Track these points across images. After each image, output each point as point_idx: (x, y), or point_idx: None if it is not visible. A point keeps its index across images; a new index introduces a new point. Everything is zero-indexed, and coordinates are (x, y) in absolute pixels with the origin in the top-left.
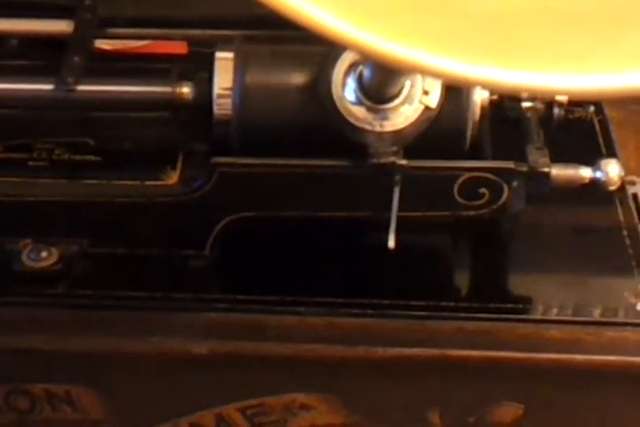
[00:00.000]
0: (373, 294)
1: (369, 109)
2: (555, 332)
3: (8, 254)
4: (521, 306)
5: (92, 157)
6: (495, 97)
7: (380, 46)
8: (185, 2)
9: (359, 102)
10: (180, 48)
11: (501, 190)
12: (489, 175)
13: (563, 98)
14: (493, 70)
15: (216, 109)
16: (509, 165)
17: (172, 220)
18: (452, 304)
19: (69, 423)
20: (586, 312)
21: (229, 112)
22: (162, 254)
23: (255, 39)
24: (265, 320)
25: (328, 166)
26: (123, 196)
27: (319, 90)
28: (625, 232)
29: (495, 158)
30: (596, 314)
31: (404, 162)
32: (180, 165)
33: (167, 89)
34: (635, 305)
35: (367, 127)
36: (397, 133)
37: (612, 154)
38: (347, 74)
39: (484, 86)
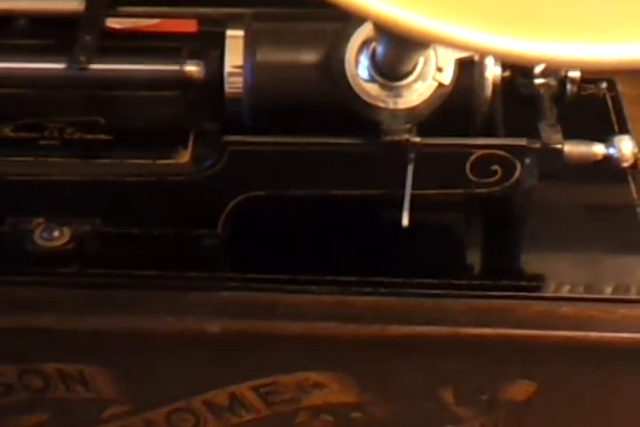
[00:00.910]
0: (386, 272)
1: (382, 87)
2: (567, 309)
3: (20, 234)
4: (534, 284)
5: (104, 136)
6: (507, 73)
7: (402, 17)
8: None
9: (372, 79)
10: (189, 26)
11: (514, 168)
12: (501, 152)
13: (575, 74)
14: (516, 41)
15: (227, 88)
16: (522, 142)
17: (183, 199)
18: (464, 282)
19: (82, 402)
20: (598, 290)
21: (240, 90)
22: (174, 233)
23: (266, 17)
24: (277, 299)
25: (341, 144)
26: (134, 175)
27: (332, 67)
28: (638, 209)
29: (507, 135)
30: (609, 291)
31: (417, 139)
32: (191, 143)
33: (178, 67)
34: None
35: (380, 104)
36: (411, 111)
37: (624, 130)
38: (360, 51)
39: (507, 57)
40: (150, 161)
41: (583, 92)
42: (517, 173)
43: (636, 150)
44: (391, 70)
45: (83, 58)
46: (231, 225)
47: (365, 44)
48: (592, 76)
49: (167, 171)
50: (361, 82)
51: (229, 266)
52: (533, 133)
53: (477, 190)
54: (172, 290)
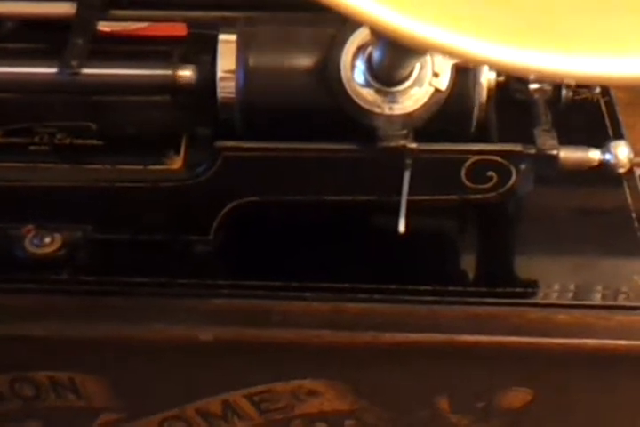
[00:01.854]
0: (380, 278)
1: (378, 92)
2: (564, 316)
3: (10, 240)
4: (530, 290)
5: (95, 142)
6: (502, 78)
7: (422, 32)
8: None
9: (368, 85)
10: (179, 30)
11: (509, 173)
12: (497, 158)
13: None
14: (536, 55)
15: (219, 93)
16: (518, 147)
17: (176, 205)
18: (459, 289)
19: (74, 410)
20: (594, 296)
21: (233, 95)
22: (166, 240)
23: (258, 21)
24: (270, 306)
25: (336, 150)
26: (126, 181)
27: (327, 72)
28: (633, 215)
29: (501, 141)
30: (606, 298)
31: (414, 145)
32: (183, 149)
33: (170, 72)
34: None
35: (376, 110)
36: (407, 116)
37: (619, 135)
38: (356, 56)
39: (526, 72)
40: (142, 167)
41: (577, 97)
42: (513, 179)
43: (631, 156)
44: (387, 75)
45: (74, 62)
46: (224, 231)
47: (361, 48)
48: None
49: (159, 177)
50: (357, 87)
51: (222, 273)
52: (528, 139)
53: (472, 196)
54: (163, 297)
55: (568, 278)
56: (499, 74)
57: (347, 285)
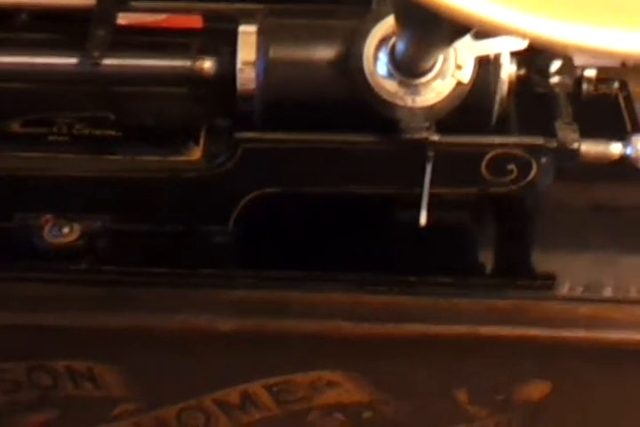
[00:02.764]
0: (400, 270)
1: (401, 84)
2: (585, 309)
3: (29, 230)
4: (550, 283)
5: (113, 132)
6: (523, 72)
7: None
8: None
9: (391, 77)
10: (195, 22)
11: (530, 167)
12: (518, 151)
13: (591, 73)
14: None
15: (239, 84)
16: (539, 140)
17: (195, 195)
18: (479, 281)
19: (91, 400)
20: (616, 289)
21: (253, 87)
22: (185, 230)
23: (279, 12)
24: (290, 297)
25: (358, 142)
26: (145, 171)
27: (349, 64)
28: None
29: (522, 134)
30: (627, 292)
31: (436, 138)
32: (202, 140)
33: (189, 63)
34: None
35: (399, 102)
36: (429, 109)
37: (637, 130)
38: (378, 47)
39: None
40: (161, 158)
41: (594, 92)
42: (533, 173)
43: None
44: (410, 67)
45: (96, 53)
46: (243, 222)
47: (384, 40)
48: (604, 75)
49: (178, 167)
50: (379, 79)
51: (241, 263)
52: (549, 132)
53: (492, 189)
54: (183, 287)
55: (588, 272)
56: (519, 67)
57: (367, 276)
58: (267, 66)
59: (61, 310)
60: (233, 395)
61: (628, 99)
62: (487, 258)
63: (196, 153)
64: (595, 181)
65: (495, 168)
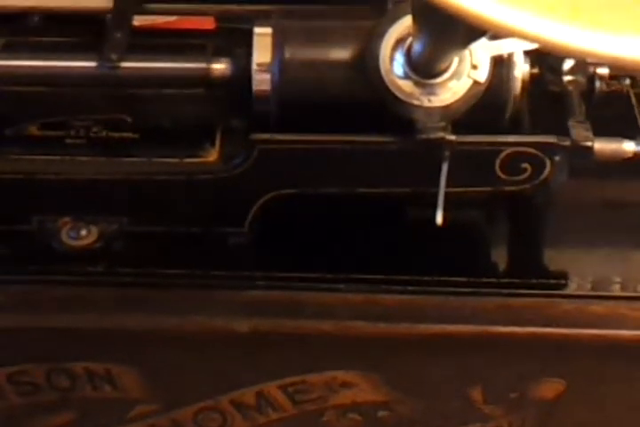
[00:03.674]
0: (414, 270)
1: (417, 84)
2: (597, 307)
3: (47, 233)
4: (563, 282)
5: (130, 135)
6: (536, 70)
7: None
8: None
9: (407, 77)
10: (208, 24)
11: (544, 165)
12: (531, 150)
13: (604, 71)
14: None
15: (255, 86)
16: (552, 139)
17: (211, 197)
18: (493, 280)
19: (109, 402)
20: (629, 288)
21: (268, 88)
22: (201, 232)
23: (294, 14)
24: (305, 297)
25: (375, 142)
26: (162, 173)
27: (365, 64)
28: None
29: (535, 132)
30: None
31: (453, 137)
32: (218, 141)
33: (204, 65)
34: None
35: (415, 102)
36: (445, 109)
37: None
38: (395, 48)
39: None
40: (178, 159)
41: (607, 89)
42: (547, 171)
43: None
44: (426, 68)
45: (114, 56)
46: (259, 224)
47: (401, 41)
48: (616, 72)
49: (195, 169)
50: (395, 79)
51: (257, 265)
52: (563, 131)
53: (506, 188)
54: (199, 289)
55: (601, 270)
56: (532, 66)
57: (381, 276)
58: (282, 67)
59: (79, 312)
60: (249, 395)
61: None
62: (500, 257)
63: (212, 154)
64: (607, 178)
65: (509, 167)
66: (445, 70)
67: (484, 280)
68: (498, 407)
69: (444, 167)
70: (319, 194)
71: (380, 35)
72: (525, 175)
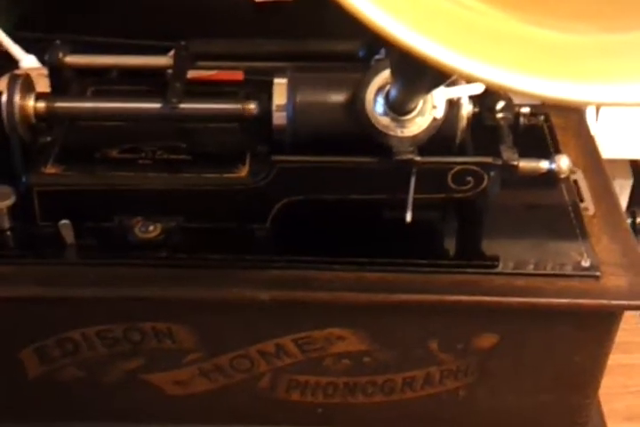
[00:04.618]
0: (390, 254)
1: (393, 119)
2: (521, 282)
3: (124, 228)
4: (496, 263)
5: (185, 157)
6: (476, 109)
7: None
8: (251, 41)
9: (386, 114)
10: (237, 76)
11: (483, 179)
12: (474, 167)
13: (526, 110)
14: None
15: (274, 121)
16: (489, 159)
17: (242, 202)
18: (446, 262)
19: (169, 351)
20: (543, 267)
21: (284, 123)
22: (235, 227)
23: (303, 69)
24: (311, 275)
25: (362, 162)
26: (207, 185)
27: (355, 105)
28: (570, 208)
29: (476, 155)
30: (552, 268)
31: (418, 158)
32: (248, 162)
33: (238, 106)
34: (580, 262)
35: (391, 133)
36: (414, 137)
37: (557, 150)
38: (377, 93)
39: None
40: (219, 175)
41: (528, 123)
42: (485, 183)
43: (571, 165)
44: (400, 107)
45: (174, 99)
46: (277, 221)
47: (381, 88)
48: (534, 110)
49: (231, 182)
50: (377, 116)
51: (276, 251)
52: (496, 153)
53: (455, 195)
54: (234, 269)
55: (524, 254)
56: (474, 106)
57: (366, 259)
58: (294, 107)
59: (147, 286)
60: (270, 346)
61: (551, 128)
62: (451, 245)
63: (243, 171)
64: (527, 188)
65: (458, 179)
66: (413, 109)
67: (440, 262)
68: (449, 355)
69: (412, 180)
70: (321, 199)
71: (366, 84)
72: (469, 186)
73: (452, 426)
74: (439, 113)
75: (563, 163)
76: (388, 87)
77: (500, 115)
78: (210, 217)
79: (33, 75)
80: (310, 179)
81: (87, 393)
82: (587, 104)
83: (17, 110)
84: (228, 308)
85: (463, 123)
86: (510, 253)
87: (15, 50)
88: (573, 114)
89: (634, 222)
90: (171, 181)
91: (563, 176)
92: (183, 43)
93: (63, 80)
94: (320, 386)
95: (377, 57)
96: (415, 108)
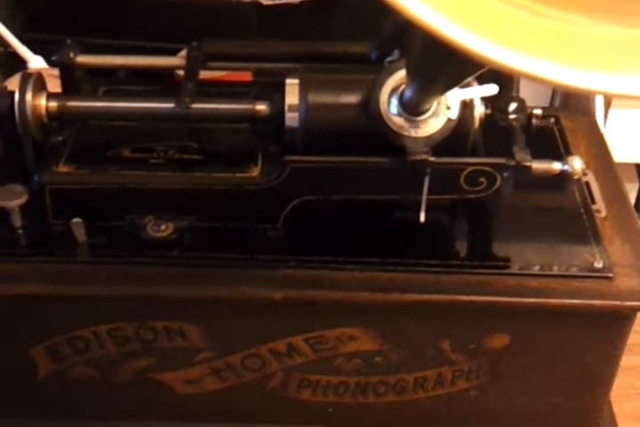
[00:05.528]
0: (402, 255)
1: (407, 120)
2: (533, 282)
3: (136, 227)
4: (509, 264)
5: (197, 157)
6: (489, 111)
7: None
8: (264, 42)
9: (400, 115)
10: (246, 77)
11: (495, 179)
12: (487, 168)
13: (538, 111)
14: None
15: (286, 121)
16: (502, 160)
17: (254, 202)
18: (458, 262)
19: (180, 350)
20: (556, 268)
21: (296, 123)
22: (248, 227)
23: (315, 69)
24: (323, 274)
25: (375, 162)
26: (219, 184)
27: (369, 106)
28: (582, 209)
29: (488, 156)
30: (564, 269)
31: (432, 159)
32: (260, 161)
33: (249, 106)
34: (592, 263)
35: (405, 133)
36: (427, 138)
37: (568, 153)
38: (391, 94)
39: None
40: (231, 174)
41: (540, 125)
42: (498, 184)
43: (584, 167)
44: (414, 108)
45: (187, 99)
46: (289, 221)
47: (395, 88)
48: (546, 112)
49: (243, 182)
50: (391, 116)
51: (288, 251)
52: (509, 154)
53: (468, 196)
54: (246, 268)
55: (536, 255)
56: (487, 108)
57: (378, 259)
58: (306, 108)
59: (159, 284)
60: (281, 345)
61: (561, 130)
62: (463, 246)
63: (255, 171)
64: (540, 189)
65: (470, 180)
66: (427, 110)
67: (452, 262)
68: (461, 355)
69: (426, 180)
70: (333, 200)
71: (380, 84)
72: (482, 187)
73: None
74: (453, 114)
75: (575, 164)
76: (402, 88)
77: (512, 116)
78: (222, 216)
79: None
80: (323, 179)
81: (98, 392)
82: (622, 97)
83: (29, 109)
84: (240, 307)
85: (476, 124)
86: (522, 253)
87: (23, 51)
88: (582, 117)
89: None
90: (182, 180)
91: (575, 177)
92: (196, 43)
93: (74, 80)
94: (331, 385)
95: (389, 59)
96: (429, 108)
